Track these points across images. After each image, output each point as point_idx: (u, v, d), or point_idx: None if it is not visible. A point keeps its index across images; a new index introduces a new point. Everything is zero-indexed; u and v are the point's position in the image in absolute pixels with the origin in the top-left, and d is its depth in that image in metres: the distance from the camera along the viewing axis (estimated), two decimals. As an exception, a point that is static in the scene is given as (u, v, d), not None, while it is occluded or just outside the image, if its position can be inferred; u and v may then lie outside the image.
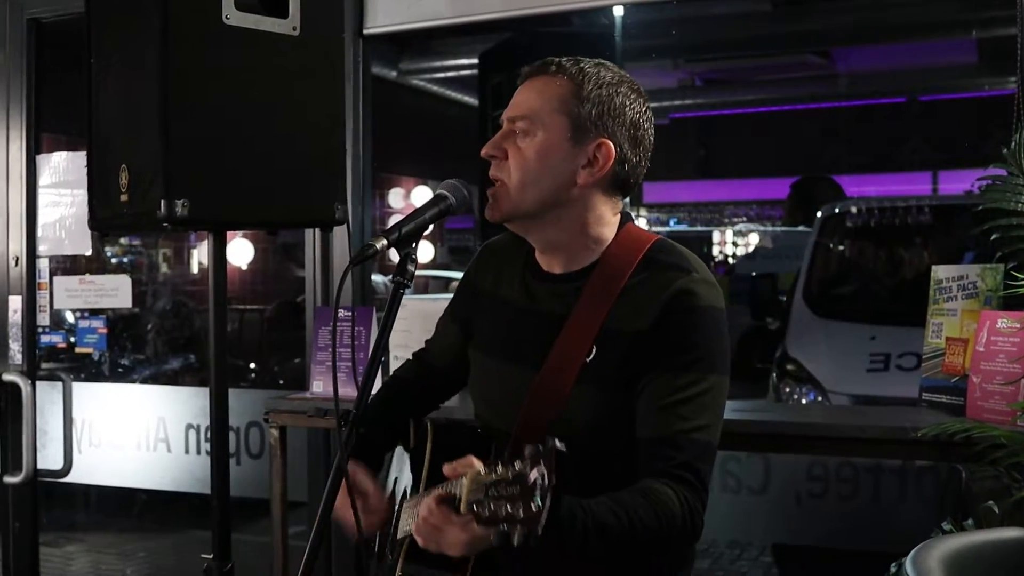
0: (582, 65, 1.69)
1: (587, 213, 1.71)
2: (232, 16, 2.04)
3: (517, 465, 1.29)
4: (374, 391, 2.05)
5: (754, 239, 15.88)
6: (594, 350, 1.65)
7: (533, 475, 1.27)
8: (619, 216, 1.75)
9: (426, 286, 12.50)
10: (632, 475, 1.59)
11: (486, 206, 1.72)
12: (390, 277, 1.71)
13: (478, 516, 1.31)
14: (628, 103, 1.70)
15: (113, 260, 9.34)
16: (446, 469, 1.44)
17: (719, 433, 1.64)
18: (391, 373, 2.13)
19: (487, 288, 1.88)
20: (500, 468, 1.31)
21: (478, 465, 1.37)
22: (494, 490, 1.30)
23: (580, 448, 1.53)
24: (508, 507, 1.27)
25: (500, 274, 1.86)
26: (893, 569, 1.44)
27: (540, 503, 1.26)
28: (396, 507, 1.91)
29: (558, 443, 1.27)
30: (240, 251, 9.14)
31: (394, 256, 1.61)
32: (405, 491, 1.90)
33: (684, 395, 1.59)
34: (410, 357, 2.11)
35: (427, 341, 2.09)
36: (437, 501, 1.44)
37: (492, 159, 1.70)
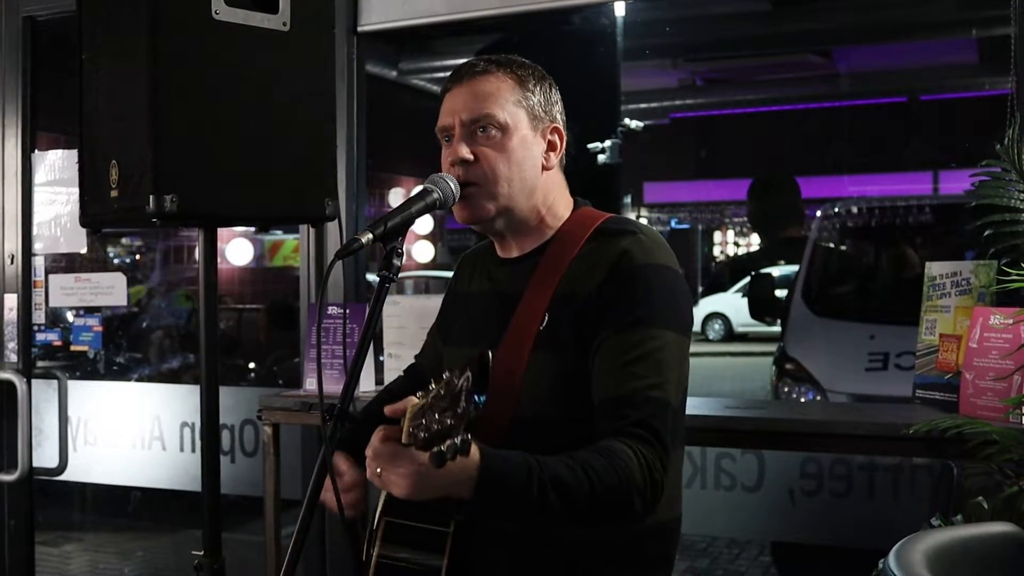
0: (510, 62, 1.79)
1: (549, 195, 1.80)
2: (221, 11, 2.04)
3: (445, 376, 1.30)
4: (363, 389, 2.06)
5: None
6: (546, 317, 1.68)
7: (459, 382, 1.28)
8: (573, 200, 1.84)
9: (427, 287, 12.51)
10: (592, 442, 1.59)
11: (461, 209, 1.73)
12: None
13: (416, 439, 1.30)
14: (556, 93, 1.83)
15: (115, 260, 9.35)
16: (387, 409, 1.45)
17: (679, 391, 1.65)
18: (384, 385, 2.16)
19: (463, 290, 1.95)
20: (432, 386, 1.32)
21: (416, 400, 1.39)
22: (430, 411, 1.30)
23: (542, 416, 1.57)
24: (442, 420, 1.28)
25: (472, 274, 1.94)
26: (880, 565, 1.44)
27: (464, 404, 1.26)
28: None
29: (488, 353, 1.29)
30: (240, 250, 9.14)
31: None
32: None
33: (636, 353, 1.60)
34: (402, 373, 2.15)
35: (416, 356, 2.14)
36: (382, 438, 1.44)
37: (464, 164, 1.72)
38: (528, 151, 1.75)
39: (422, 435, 1.29)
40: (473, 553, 1.65)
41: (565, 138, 1.81)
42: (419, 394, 1.35)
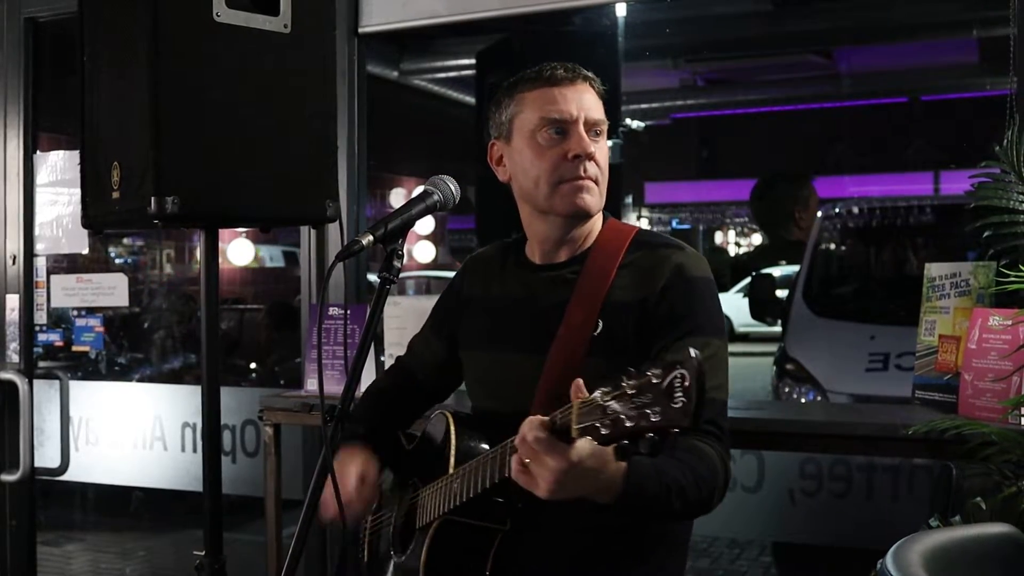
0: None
1: None
2: (223, 14, 2.05)
3: (650, 372, 1.24)
4: (363, 390, 2.06)
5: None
6: (600, 324, 1.74)
7: (669, 379, 1.21)
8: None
9: (428, 287, 12.51)
10: None
11: (583, 195, 1.77)
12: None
13: (594, 432, 1.27)
14: None
15: (118, 261, 9.35)
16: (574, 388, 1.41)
17: (729, 393, 1.76)
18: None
19: (476, 293, 1.96)
20: (626, 380, 1.26)
21: (587, 393, 1.36)
22: (614, 406, 1.25)
23: None
24: (639, 414, 1.22)
25: (488, 278, 1.95)
26: (878, 566, 1.44)
27: (684, 399, 1.19)
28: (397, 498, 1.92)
29: (693, 352, 1.22)
30: (240, 251, 9.14)
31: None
32: (415, 482, 1.90)
33: None
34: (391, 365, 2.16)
35: (400, 357, 2.14)
36: (546, 426, 1.40)
37: (589, 159, 1.77)
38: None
39: (604, 431, 1.25)
40: (513, 541, 1.72)
41: None
42: (602, 389, 1.29)
